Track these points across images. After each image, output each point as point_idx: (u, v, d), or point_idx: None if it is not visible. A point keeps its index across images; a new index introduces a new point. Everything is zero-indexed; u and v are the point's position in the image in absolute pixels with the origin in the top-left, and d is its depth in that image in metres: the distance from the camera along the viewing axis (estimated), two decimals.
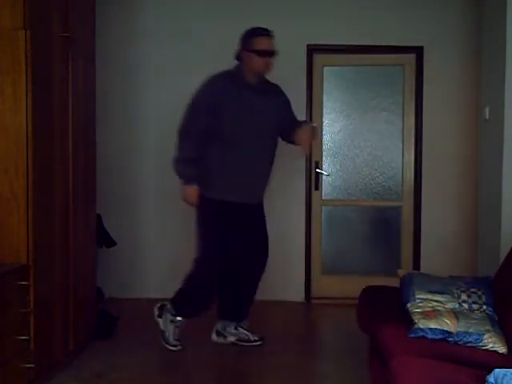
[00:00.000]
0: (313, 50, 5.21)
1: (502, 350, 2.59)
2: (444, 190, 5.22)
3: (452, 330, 2.65)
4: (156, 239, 5.24)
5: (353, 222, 5.40)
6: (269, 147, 3.87)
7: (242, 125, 3.71)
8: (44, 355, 3.22)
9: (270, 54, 3.74)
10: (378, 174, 5.34)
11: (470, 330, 2.63)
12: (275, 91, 3.95)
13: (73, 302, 3.55)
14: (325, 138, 5.33)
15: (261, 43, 3.71)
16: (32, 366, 3.06)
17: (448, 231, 5.21)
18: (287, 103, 4.01)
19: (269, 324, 4.52)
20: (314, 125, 4.07)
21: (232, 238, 3.82)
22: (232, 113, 3.70)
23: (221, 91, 3.71)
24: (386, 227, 5.40)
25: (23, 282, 3.01)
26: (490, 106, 4.25)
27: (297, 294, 5.25)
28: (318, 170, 5.30)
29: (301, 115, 5.16)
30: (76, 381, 3.39)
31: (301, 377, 3.54)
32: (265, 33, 3.75)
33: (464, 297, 2.85)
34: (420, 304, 2.82)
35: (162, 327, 3.94)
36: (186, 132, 3.71)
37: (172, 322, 3.91)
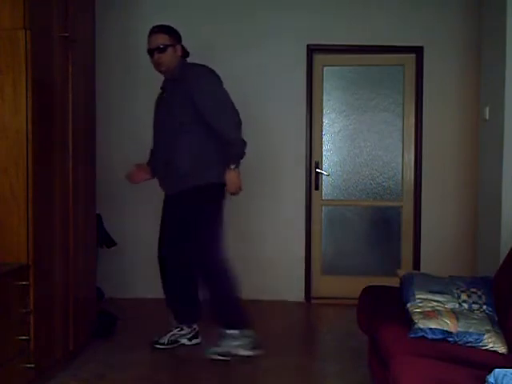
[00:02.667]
0: (313, 50, 5.21)
1: (502, 350, 2.59)
2: (444, 190, 5.22)
3: (452, 329, 2.65)
4: (156, 239, 5.23)
5: (353, 222, 5.40)
6: (168, 137, 3.77)
7: (154, 119, 3.93)
8: (44, 355, 3.21)
9: (152, 51, 3.77)
10: (378, 174, 5.35)
11: (470, 330, 2.63)
12: (184, 78, 3.73)
13: (73, 302, 3.55)
14: (325, 138, 5.33)
15: (148, 42, 3.82)
16: (32, 366, 3.06)
17: (448, 231, 5.22)
18: (192, 89, 3.67)
19: (269, 324, 4.52)
20: (232, 166, 3.69)
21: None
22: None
23: None
24: (386, 227, 5.40)
25: (23, 282, 3.01)
26: (490, 106, 4.25)
27: (297, 294, 5.25)
28: (318, 170, 5.31)
29: (301, 115, 5.21)
30: (76, 381, 3.39)
31: (301, 377, 3.54)
32: (150, 30, 3.82)
33: (464, 297, 2.85)
34: (420, 304, 2.82)
35: None
36: None
37: None
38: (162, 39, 3.77)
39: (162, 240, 3.98)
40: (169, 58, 3.78)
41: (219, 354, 3.71)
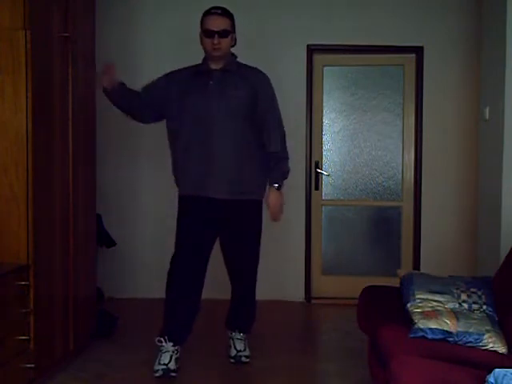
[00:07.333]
0: (313, 50, 5.21)
1: (502, 350, 2.59)
2: (444, 190, 5.22)
3: (452, 329, 2.65)
4: (155, 239, 5.24)
5: (353, 222, 5.40)
6: (227, 135, 3.48)
7: (188, 115, 3.52)
8: (44, 355, 3.22)
9: (214, 33, 3.45)
10: (377, 174, 5.35)
11: (470, 330, 2.63)
12: (250, 78, 3.57)
13: (73, 302, 3.55)
14: (325, 138, 5.33)
15: (206, 22, 3.50)
16: (32, 365, 3.06)
17: (448, 231, 5.21)
18: (263, 95, 3.57)
19: (269, 324, 4.52)
20: (275, 185, 3.68)
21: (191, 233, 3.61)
22: (178, 105, 3.56)
23: (165, 85, 3.64)
24: (386, 227, 5.40)
25: (23, 282, 3.01)
26: (490, 106, 4.25)
27: (297, 294, 5.25)
28: (318, 170, 5.31)
29: (301, 115, 5.21)
30: (76, 381, 3.39)
31: (301, 377, 3.54)
32: (212, 11, 3.50)
33: (464, 297, 2.85)
34: (420, 304, 2.82)
35: None
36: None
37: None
38: (226, 23, 3.48)
39: None
40: (227, 44, 3.51)
41: (247, 357, 3.75)
